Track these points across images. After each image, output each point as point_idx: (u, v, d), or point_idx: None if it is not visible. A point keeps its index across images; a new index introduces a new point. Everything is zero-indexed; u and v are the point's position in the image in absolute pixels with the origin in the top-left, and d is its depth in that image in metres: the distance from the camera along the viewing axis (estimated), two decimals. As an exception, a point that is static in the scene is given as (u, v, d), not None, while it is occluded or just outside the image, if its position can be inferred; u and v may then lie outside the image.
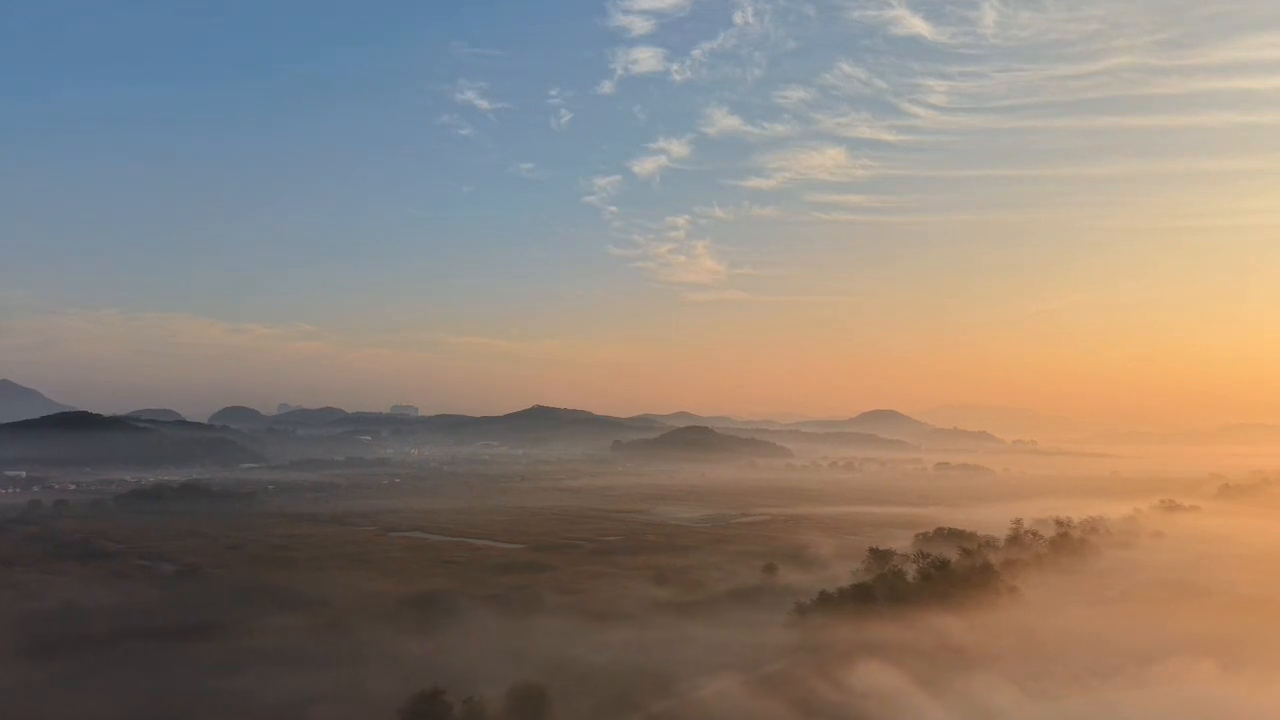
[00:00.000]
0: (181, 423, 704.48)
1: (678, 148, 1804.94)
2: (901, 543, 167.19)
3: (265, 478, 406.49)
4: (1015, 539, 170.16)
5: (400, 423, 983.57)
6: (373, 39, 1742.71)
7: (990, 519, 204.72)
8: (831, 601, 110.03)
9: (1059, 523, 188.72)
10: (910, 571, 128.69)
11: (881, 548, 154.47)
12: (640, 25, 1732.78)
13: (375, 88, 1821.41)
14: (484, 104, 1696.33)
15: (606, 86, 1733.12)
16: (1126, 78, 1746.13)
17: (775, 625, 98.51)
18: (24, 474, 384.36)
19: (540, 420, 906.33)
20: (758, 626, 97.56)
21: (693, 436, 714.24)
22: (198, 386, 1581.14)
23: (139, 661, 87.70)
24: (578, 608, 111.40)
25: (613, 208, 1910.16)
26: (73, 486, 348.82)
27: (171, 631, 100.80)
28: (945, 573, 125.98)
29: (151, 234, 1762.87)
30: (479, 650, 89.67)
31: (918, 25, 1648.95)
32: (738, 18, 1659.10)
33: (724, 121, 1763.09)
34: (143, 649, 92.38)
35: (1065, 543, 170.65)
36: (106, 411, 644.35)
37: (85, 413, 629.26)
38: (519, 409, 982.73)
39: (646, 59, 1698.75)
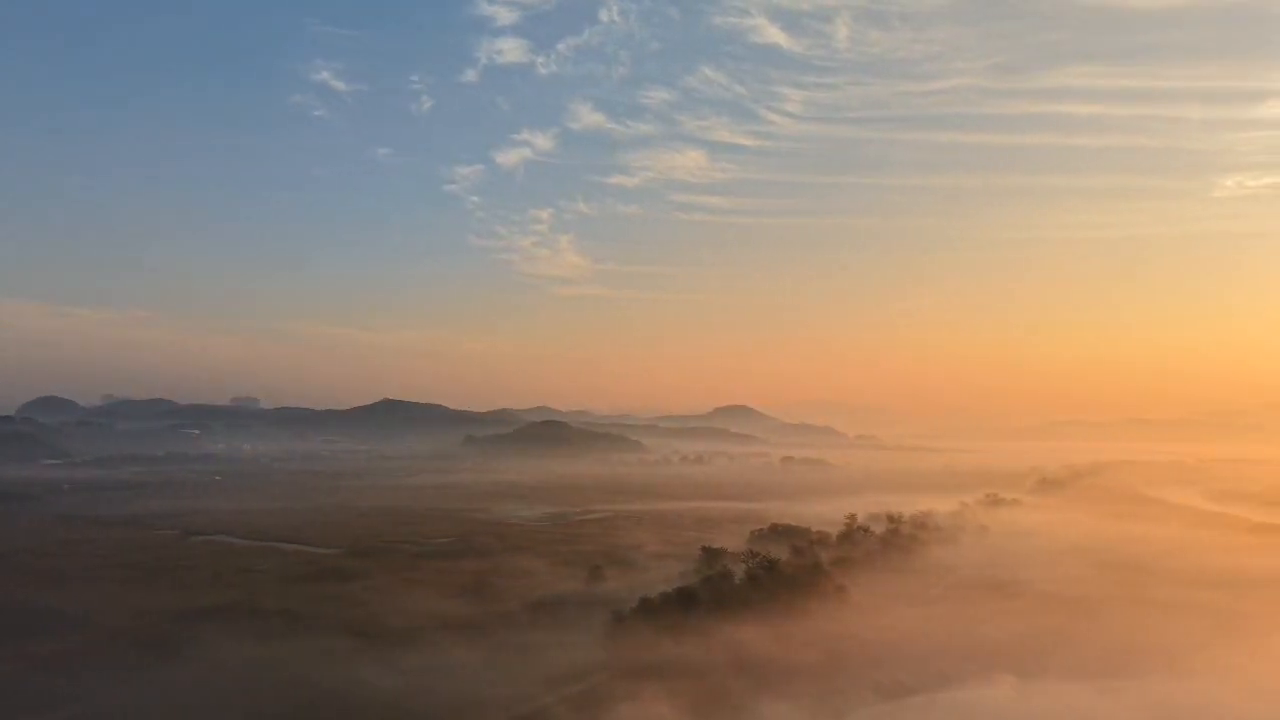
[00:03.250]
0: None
1: (542, 140, 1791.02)
2: (737, 540, 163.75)
3: (63, 476, 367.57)
4: (847, 535, 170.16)
5: (239, 416, 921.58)
6: (220, 10, 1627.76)
7: (826, 514, 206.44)
8: (652, 609, 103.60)
9: (890, 518, 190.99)
10: (739, 573, 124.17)
11: (715, 546, 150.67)
12: (505, 15, 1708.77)
13: (221, 61, 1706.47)
14: (340, 85, 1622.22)
15: (470, 75, 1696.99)
16: (964, 97, 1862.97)
17: (575, 644, 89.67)
18: None
19: (389, 414, 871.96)
20: (553, 647, 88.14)
21: (548, 431, 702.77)
22: (7, 375, 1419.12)
23: None
24: (362, 626, 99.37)
25: (475, 197, 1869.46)
26: None
27: None
28: (773, 574, 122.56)
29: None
30: (230, 682, 77.25)
31: (776, 35, 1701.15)
32: (603, 15, 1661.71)
33: (589, 117, 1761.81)
34: None
35: (895, 539, 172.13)
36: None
37: None
38: (367, 403, 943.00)
39: (511, 50, 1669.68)
